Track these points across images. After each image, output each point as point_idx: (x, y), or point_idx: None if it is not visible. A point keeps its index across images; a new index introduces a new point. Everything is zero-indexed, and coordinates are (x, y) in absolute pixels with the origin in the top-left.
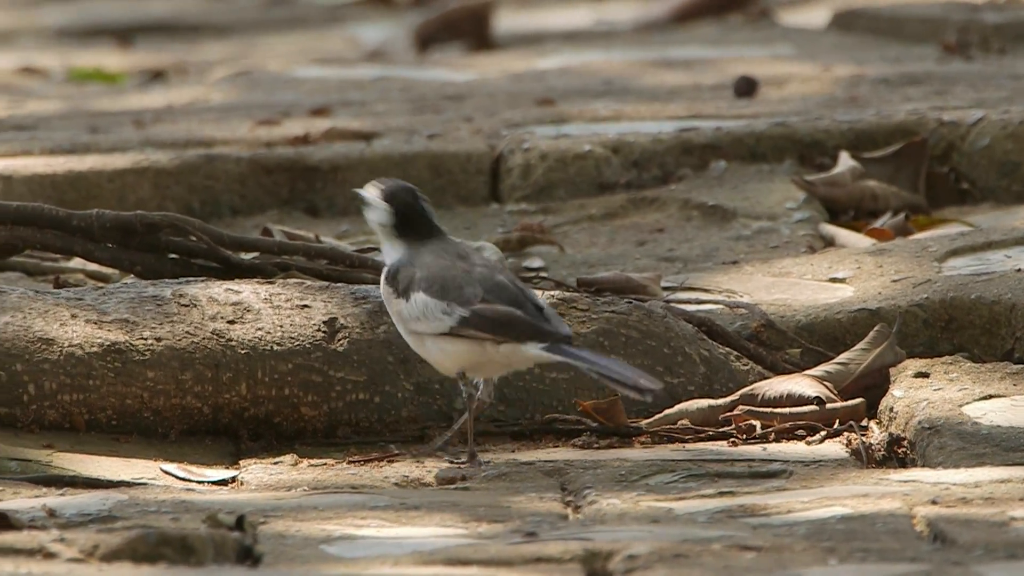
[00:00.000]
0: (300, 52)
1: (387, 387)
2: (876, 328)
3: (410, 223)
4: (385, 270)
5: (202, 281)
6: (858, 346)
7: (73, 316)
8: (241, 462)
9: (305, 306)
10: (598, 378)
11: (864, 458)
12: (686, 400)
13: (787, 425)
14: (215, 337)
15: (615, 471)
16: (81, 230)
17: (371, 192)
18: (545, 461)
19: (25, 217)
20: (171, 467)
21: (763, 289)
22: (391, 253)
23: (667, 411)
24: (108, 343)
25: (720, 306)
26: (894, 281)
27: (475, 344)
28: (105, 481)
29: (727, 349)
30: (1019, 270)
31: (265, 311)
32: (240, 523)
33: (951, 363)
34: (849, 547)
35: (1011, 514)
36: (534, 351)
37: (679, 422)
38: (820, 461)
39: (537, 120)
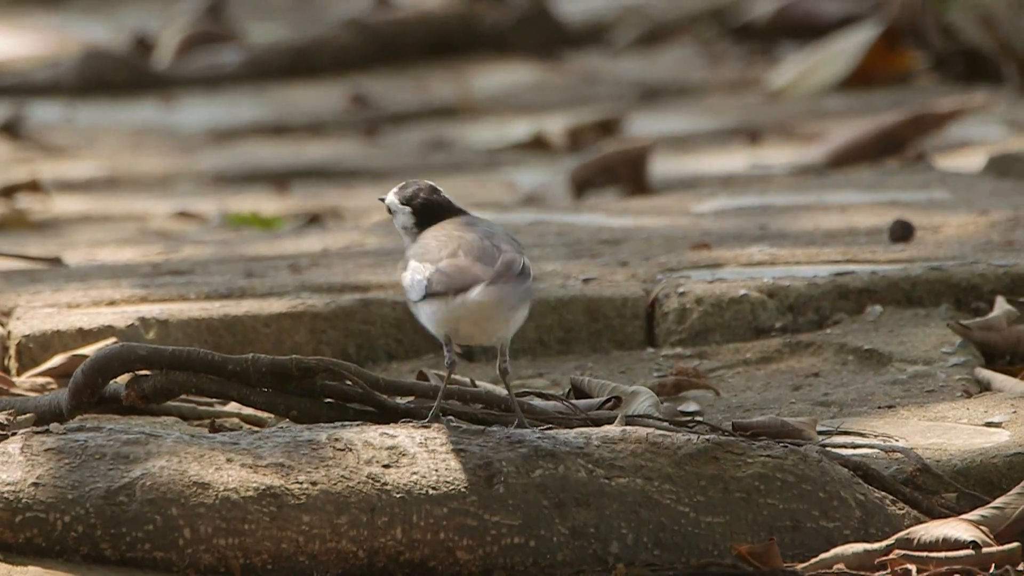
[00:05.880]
0: (457, 196)
1: (542, 531)
2: None
3: (429, 217)
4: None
5: (357, 425)
6: (1015, 490)
7: (228, 460)
8: None
9: (461, 450)
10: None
11: None
12: (842, 544)
13: (943, 569)
14: (370, 481)
15: None
16: (237, 375)
17: (392, 198)
18: None
19: (181, 362)
20: None
21: (919, 433)
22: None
23: (823, 555)
24: (264, 487)
25: (876, 450)
26: None
27: (440, 301)
28: None
29: (883, 493)
30: None
31: (420, 455)
32: None
33: None
34: None
35: None
36: (472, 296)
37: (835, 566)
38: None
39: (693, 264)
